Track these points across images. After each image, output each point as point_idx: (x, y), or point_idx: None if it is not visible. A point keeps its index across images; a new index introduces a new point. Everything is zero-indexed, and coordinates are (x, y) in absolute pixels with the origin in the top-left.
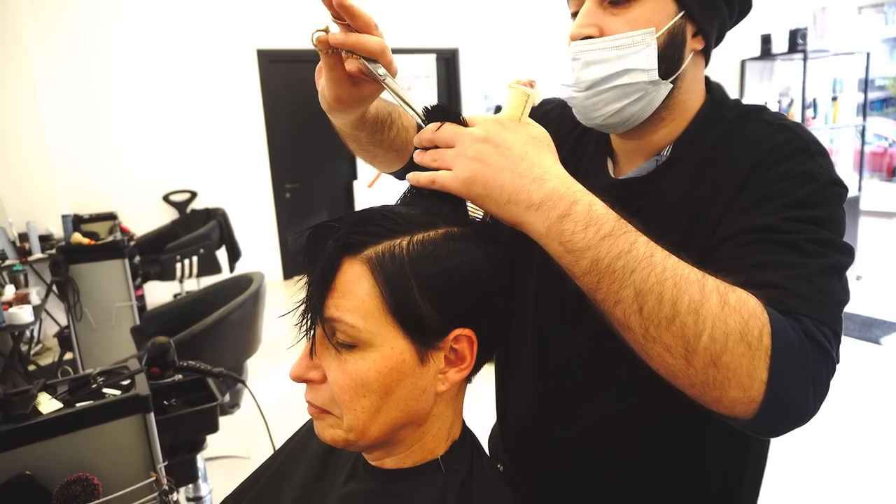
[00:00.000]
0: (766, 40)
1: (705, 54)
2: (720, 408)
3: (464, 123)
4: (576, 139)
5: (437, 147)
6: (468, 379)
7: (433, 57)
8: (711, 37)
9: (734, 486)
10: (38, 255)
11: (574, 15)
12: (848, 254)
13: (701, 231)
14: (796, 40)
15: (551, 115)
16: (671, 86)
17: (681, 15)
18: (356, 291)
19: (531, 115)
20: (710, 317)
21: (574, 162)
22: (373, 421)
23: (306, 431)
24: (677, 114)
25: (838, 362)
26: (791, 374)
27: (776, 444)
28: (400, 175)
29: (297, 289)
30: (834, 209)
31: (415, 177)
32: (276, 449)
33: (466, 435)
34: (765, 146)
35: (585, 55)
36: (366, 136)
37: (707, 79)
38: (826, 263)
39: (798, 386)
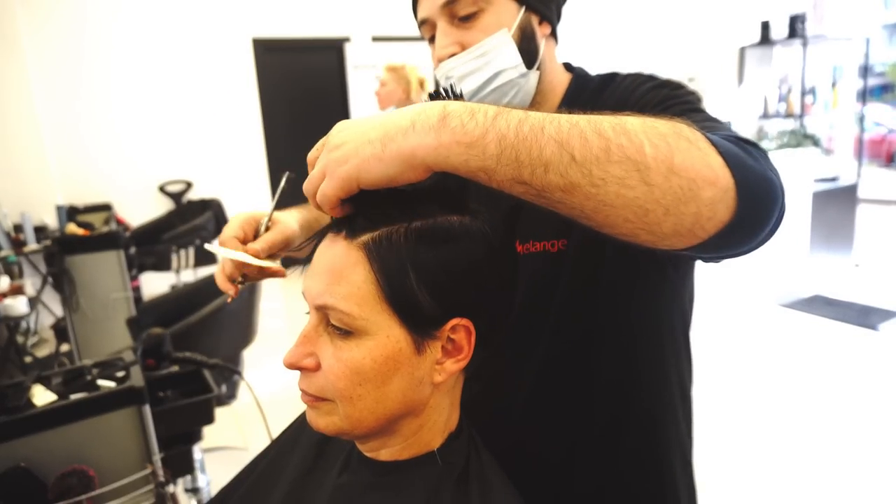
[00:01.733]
0: (765, 26)
1: (553, 35)
2: (704, 223)
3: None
4: None
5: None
6: (466, 370)
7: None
8: (553, 19)
9: (671, 428)
10: (33, 245)
11: (431, 40)
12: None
13: None
14: (796, 26)
15: None
16: (538, 72)
17: (523, 10)
18: (352, 278)
19: None
20: (639, 128)
21: None
22: (368, 410)
23: (300, 423)
24: (547, 94)
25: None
26: (737, 153)
27: (774, 429)
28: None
29: (294, 279)
30: (697, 100)
31: (311, 197)
32: (273, 439)
33: (463, 427)
34: (618, 90)
35: (457, 70)
36: None
37: (568, 64)
38: (708, 117)
39: (752, 161)
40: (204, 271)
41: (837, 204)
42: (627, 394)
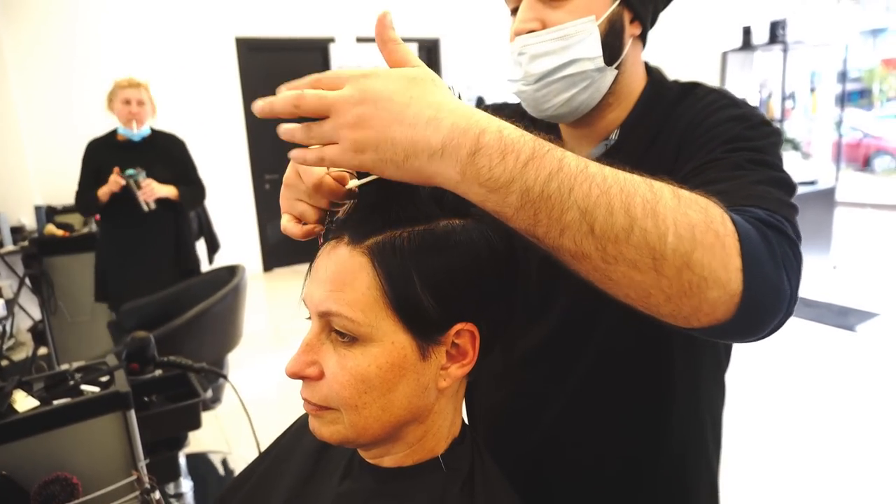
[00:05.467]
0: (746, 31)
1: (642, 38)
2: (700, 317)
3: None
4: None
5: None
6: (469, 374)
7: (415, 46)
8: (647, 21)
9: (702, 448)
10: (9, 247)
11: (514, 12)
12: (791, 179)
13: None
14: (776, 31)
15: None
16: (616, 72)
17: (618, 2)
18: (355, 284)
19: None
20: (670, 213)
21: None
22: (374, 418)
23: (297, 428)
24: (622, 98)
25: (802, 258)
26: (762, 256)
27: (752, 429)
28: None
29: (277, 281)
30: (771, 143)
31: (301, 154)
32: (269, 446)
33: (467, 432)
34: (694, 109)
35: (531, 48)
36: None
37: (646, 63)
38: (770, 175)
39: (772, 268)
40: None
41: (816, 207)
42: (660, 421)
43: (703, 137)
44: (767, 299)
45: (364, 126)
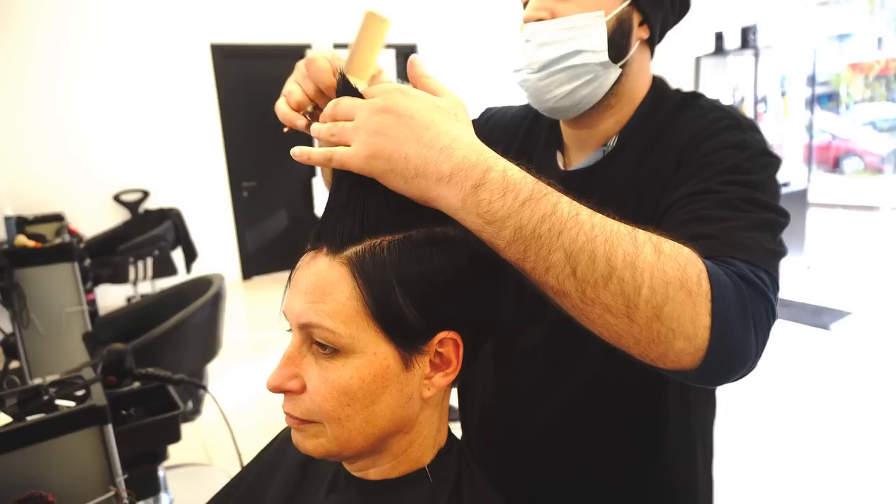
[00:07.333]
0: (719, 37)
1: (651, 45)
2: (667, 363)
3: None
4: (524, 136)
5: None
6: (453, 383)
7: (392, 52)
8: (656, 27)
9: (691, 461)
10: None
11: (525, 4)
12: (782, 215)
13: (643, 215)
14: (748, 37)
15: (494, 120)
16: (620, 71)
17: (628, 2)
18: (336, 295)
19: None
20: (648, 268)
21: (524, 158)
22: (357, 430)
23: (281, 441)
24: (624, 102)
25: (776, 314)
26: (732, 317)
27: (728, 428)
28: None
29: (256, 290)
30: (767, 176)
31: (305, 153)
32: (253, 458)
33: (453, 442)
34: (696, 126)
35: (538, 36)
36: None
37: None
38: (759, 218)
39: (741, 328)
40: (163, 283)
41: (789, 208)
42: (653, 434)
43: (702, 160)
44: (732, 356)
45: (382, 134)
